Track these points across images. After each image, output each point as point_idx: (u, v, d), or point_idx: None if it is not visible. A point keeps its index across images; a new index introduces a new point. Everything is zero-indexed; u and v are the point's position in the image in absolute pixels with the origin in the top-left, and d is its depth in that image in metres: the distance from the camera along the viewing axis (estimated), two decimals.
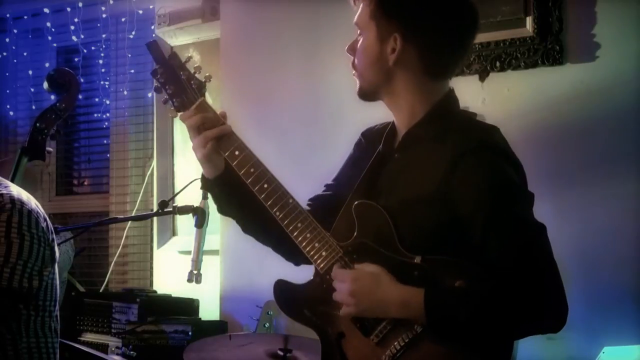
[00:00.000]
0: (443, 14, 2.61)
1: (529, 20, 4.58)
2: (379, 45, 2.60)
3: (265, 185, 2.66)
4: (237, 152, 2.71)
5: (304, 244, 2.61)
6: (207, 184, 2.81)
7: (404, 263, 2.47)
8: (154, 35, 6.26)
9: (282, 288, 2.69)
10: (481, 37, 4.71)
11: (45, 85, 4.31)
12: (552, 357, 4.35)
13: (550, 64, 4.53)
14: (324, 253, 2.58)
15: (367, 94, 2.69)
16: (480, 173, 2.46)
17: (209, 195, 2.89)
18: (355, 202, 2.60)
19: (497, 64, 4.68)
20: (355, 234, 2.58)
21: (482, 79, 4.72)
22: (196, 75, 2.73)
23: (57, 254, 3.38)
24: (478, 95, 4.71)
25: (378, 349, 2.47)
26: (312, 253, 2.59)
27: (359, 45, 2.66)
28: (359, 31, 2.67)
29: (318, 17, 5.04)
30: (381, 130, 2.77)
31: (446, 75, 2.67)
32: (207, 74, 2.75)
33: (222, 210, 2.89)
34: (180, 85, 2.72)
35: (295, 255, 2.73)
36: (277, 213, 2.64)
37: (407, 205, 2.53)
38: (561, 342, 4.35)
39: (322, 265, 2.58)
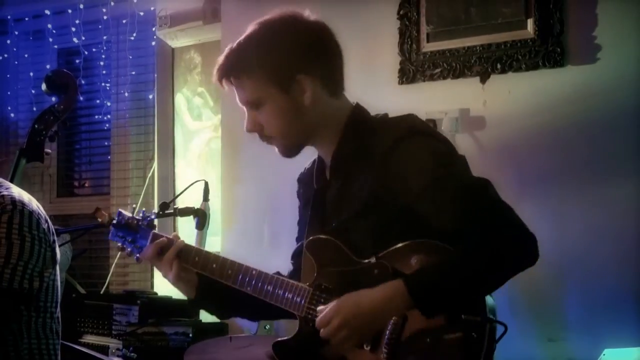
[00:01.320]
0: (312, 38, 2.73)
1: (530, 22, 4.59)
2: (287, 97, 2.68)
3: (229, 272, 2.81)
4: (196, 258, 2.86)
5: (278, 301, 2.73)
6: (195, 304, 3.00)
7: (363, 269, 2.58)
8: (155, 36, 6.26)
9: (279, 348, 2.78)
10: (482, 39, 4.73)
11: (44, 87, 4.31)
12: (552, 359, 4.36)
13: (551, 65, 4.54)
14: (297, 299, 2.70)
15: (296, 147, 2.80)
16: (408, 159, 2.55)
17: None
18: (305, 243, 2.73)
19: (498, 65, 4.68)
20: (315, 269, 2.69)
21: (483, 80, 4.72)
22: (147, 216, 2.98)
23: (58, 255, 3.38)
24: (479, 97, 4.72)
25: (376, 354, 2.53)
26: (288, 305, 2.71)
27: (263, 116, 2.74)
28: (248, 107, 2.76)
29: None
30: (311, 169, 2.92)
31: (342, 88, 2.78)
32: (154, 211, 3.02)
33: (221, 316, 3.13)
34: (134, 230, 2.97)
35: None
36: (248, 289, 2.77)
37: (351, 220, 2.65)
38: (562, 343, 4.36)
39: (298, 311, 2.69)
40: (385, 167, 2.56)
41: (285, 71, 2.68)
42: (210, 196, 3.10)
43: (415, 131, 2.62)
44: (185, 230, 6.01)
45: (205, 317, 5.51)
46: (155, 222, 2.95)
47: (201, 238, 3.02)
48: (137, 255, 2.96)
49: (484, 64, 4.72)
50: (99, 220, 3.10)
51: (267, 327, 4.82)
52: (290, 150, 2.80)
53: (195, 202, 3.08)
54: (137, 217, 2.97)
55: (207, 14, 5.91)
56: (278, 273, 2.87)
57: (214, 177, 5.65)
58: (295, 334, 2.73)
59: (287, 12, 2.77)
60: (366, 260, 2.58)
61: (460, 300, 2.45)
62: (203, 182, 3.02)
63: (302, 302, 2.68)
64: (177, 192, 5.25)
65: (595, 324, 4.33)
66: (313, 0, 5.01)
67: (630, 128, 4.39)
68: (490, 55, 4.70)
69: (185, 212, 3.47)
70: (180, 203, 3.59)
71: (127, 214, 2.99)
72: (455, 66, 4.78)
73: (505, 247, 2.44)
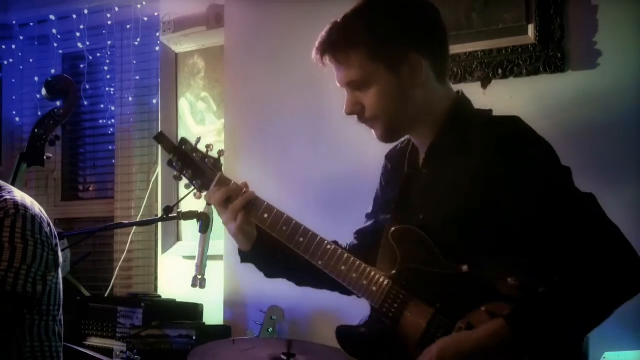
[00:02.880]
0: (424, 15, 2.60)
1: (531, 28, 4.58)
2: (396, 77, 2.54)
3: (301, 239, 2.66)
4: (266, 215, 2.71)
5: (351, 285, 2.60)
6: (246, 257, 2.84)
7: (452, 275, 2.45)
8: (159, 41, 6.26)
9: (346, 334, 2.66)
10: (483, 45, 4.72)
11: (44, 92, 4.32)
12: None
13: (552, 71, 4.53)
14: (373, 289, 2.56)
15: (398, 133, 2.66)
16: (514, 166, 2.44)
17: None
18: (391, 230, 2.57)
19: (500, 71, 4.67)
20: (398, 261, 2.55)
21: (484, 85, 4.72)
22: (209, 153, 2.78)
23: (61, 259, 3.38)
24: (480, 102, 4.62)
25: None
26: (362, 292, 2.58)
27: (367, 97, 2.58)
28: (350, 87, 2.62)
29: (322, 25, 5.03)
30: (403, 150, 2.75)
31: (447, 75, 2.67)
32: (220, 149, 2.79)
33: (269, 274, 2.93)
34: (196, 167, 2.78)
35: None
36: (319, 263, 2.63)
37: (447, 219, 2.50)
38: None
39: (373, 301, 2.57)
40: (488, 170, 2.44)
41: (397, 48, 2.53)
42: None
43: (523, 137, 2.52)
44: (190, 233, 6.04)
45: (209, 320, 5.50)
46: (222, 160, 2.80)
47: (204, 241, 2.99)
48: (196, 191, 2.80)
49: (485, 69, 4.71)
50: (162, 145, 2.85)
51: (269, 330, 4.82)
52: (392, 134, 2.65)
53: (199, 206, 3.05)
54: (203, 152, 2.79)
55: (211, 19, 5.91)
56: (335, 242, 2.73)
57: None
58: (364, 323, 2.62)
59: None
60: (458, 267, 2.45)
61: (563, 343, 2.38)
62: None
63: (379, 293, 2.54)
64: (181, 196, 5.24)
65: (596, 328, 4.31)
66: (316, 5, 5.04)
67: (631, 132, 4.38)
68: (492, 61, 4.69)
69: (189, 215, 3.47)
70: (184, 207, 3.58)
71: (194, 144, 2.79)
72: (456, 71, 4.77)
73: (614, 280, 2.37)
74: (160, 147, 6.14)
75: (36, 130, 4.42)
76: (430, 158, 2.61)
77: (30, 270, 3.20)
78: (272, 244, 2.75)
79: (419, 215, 2.56)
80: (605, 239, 2.38)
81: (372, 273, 2.56)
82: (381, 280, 2.55)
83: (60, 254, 3.39)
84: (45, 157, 4.49)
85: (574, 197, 2.46)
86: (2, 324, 3.24)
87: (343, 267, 2.59)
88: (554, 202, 2.41)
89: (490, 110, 2.66)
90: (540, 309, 2.35)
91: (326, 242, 2.64)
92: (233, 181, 2.75)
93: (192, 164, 2.78)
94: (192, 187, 2.82)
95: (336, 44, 2.58)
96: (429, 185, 2.58)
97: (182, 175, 2.81)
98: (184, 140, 2.80)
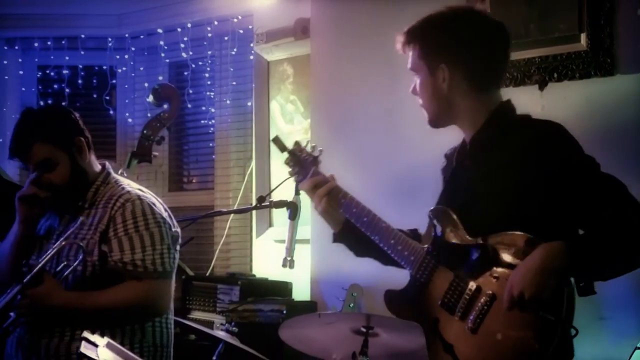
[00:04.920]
0: (475, 38, 2.78)
1: (583, 37, 4.58)
2: (432, 79, 2.78)
3: (365, 219, 2.90)
4: (342, 200, 2.97)
5: (396, 255, 2.84)
6: (337, 237, 3.11)
7: (466, 247, 2.64)
8: (252, 51, 6.36)
9: (390, 296, 2.92)
10: (540, 52, 4.73)
11: (150, 98, 4.43)
12: (602, 336, 4.34)
13: (602, 75, 4.52)
14: (412, 258, 2.80)
15: (436, 122, 2.88)
16: (558, 153, 2.61)
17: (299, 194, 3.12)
18: (430, 210, 2.81)
19: (555, 75, 4.68)
20: (432, 235, 2.78)
21: (541, 88, 4.72)
22: (313, 153, 3.09)
23: (179, 240, 3.51)
24: (538, 103, 4.71)
25: (463, 323, 2.60)
26: (404, 262, 2.83)
27: (417, 85, 2.83)
28: (415, 74, 2.85)
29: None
30: (456, 148, 2.95)
31: (492, 86, 2.83)
32: (320, 149, 3.10)
33: (358, 253, 3.16)
34: (300, 163, 3.08)
35: None
36: (375, 238, 2.88)
37: (476, 199, 2.70)
38: (611, 322, 4.34)
39: (410, 268, 2.80)
40: (521, 156, 2.63)
41: (435, 56, 2.79)
42: (301, 191, 3.15)
43: (559, 132, 2.69)
44: (280, 220, 6.12)
45: (297, 296, 5.58)
46: (320, 159, 3.09)
47: (293, 227, 3.07)
48: (297, 181, 3.09)
49: (542, 74, 4.71)
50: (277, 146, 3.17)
51: (351, 305, 4.87)
52: (432, 122, 2.88)
53: (289, 195, 3.13)
54: (305, 152, 3.11)
55: (298, 31, 5.97)
56: (415, 230, 3.00)
57: None
58: (404, 287, 2.84)
59: (464, 6, 2.92)
60: (474, 240, 2.64)
61: (602, 272, 2.53)
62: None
63: (415, 261, 2.78)
64: (273, 187, 5.32)
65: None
66: (393, 17, 5.08)
67: None
68: (548, 66, 4.71)
69: (280, 204, 3.53)
70: (275, 197, 3.66)
71: (302, 145, 3.12)
72: (516, 75, 4.79)
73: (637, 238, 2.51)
74: (254, 144, 6.31)
75: (144, 132, 4.54)
76: (471, 150, 2.81)
77: (170, 249, 3.34)
78: (357, 229, 2.97)
79: (458, 199, 2.77)
80: (628, 205, 2.54)
81: (413, 245, 2.81)
82: (418, 251, 2.79)
83: (179, 234, 3.52)
84: (152, 155, 4.62)
85: (599, 175, 2.61)
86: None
87: (392, 241, 2.84)
88: (584, 179, 2.58)
89: (529, 115, 2.83)
90: (590, 238, 2.53)
91: (382, 221, 2.88)
92: (322, 174, 3.02)
93: (298, 161, 3.10)
94: (297, 179, 3.11)
95: (409, 33, 2.87)
96: (469, 173, 2.79)
97: (293, 171, 3.12)
98: (296, 142, 3.13)
